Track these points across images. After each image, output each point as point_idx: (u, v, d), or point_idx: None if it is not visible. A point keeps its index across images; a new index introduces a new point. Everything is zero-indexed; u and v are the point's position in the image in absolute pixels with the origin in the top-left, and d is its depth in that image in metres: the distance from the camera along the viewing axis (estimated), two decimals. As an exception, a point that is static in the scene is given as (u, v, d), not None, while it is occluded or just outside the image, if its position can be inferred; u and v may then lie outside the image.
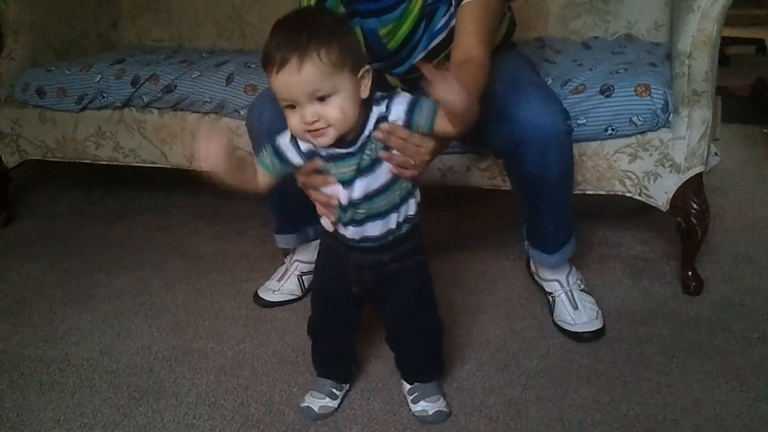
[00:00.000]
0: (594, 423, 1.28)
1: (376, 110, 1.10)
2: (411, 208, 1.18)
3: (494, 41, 1.50)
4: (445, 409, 1.30)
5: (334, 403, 1.33)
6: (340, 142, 1.08)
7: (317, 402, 1.31)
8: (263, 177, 1.16)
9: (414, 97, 1.10)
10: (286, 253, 1.82)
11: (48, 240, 2.10)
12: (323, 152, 1.11)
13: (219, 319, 1.65)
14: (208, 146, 1.05)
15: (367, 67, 1.08)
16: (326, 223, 1.20)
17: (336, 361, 1.35)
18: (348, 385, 1.37)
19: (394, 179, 1.13)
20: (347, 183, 1.12)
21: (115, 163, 2.06)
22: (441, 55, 1.46)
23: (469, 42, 1.34)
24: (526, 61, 1.64)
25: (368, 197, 1.13)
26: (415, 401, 1.31)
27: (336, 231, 1.19)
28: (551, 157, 1.38)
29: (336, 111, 1.03)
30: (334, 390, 1.33)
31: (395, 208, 1.15)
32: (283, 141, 1.13)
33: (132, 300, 1.75)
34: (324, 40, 1.01)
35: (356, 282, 1.23)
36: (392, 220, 1.16)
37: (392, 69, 1.55)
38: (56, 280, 1.86)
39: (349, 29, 1.09)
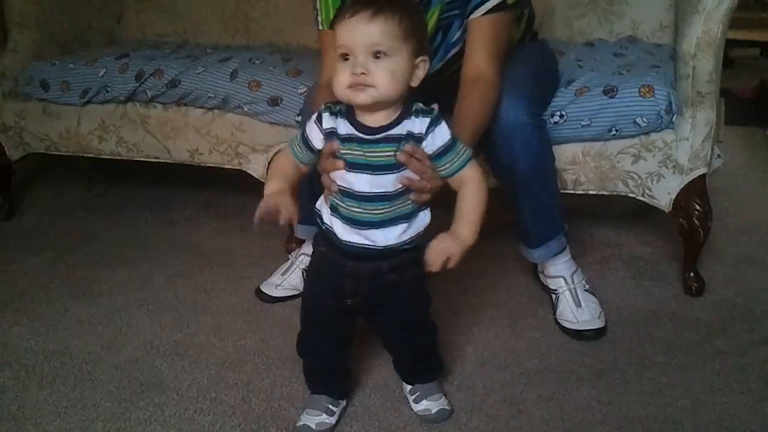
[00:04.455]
0: (595, 422, 1.28)
1: (416, 121, 1.10)
2: (416, 228, 1.17)
3: (512, 40, 1.55)
4: (447, 408, 1.30)
5: (332, 420, 1.27)
6: (364, 127, 1.10)
7: (314, 419, 1.26)
8: (300, 167, 1.18)
9: (452, 138, 1.11)
10: (290, 249, 1.83)
11: (50, 233, 2.11)
12: (343, 131, 1.12)
13: (221, 315, 1.65)
14: (275, 200, 1.12)
15: (425, 58, 1.10)
16: (320, 205, 1.20)
17: (330, 377, 1.30)
18: (345, 402, 1.32)
19: (402, 192, 1.13)
20: (355, 168, 1.12)
21: (118, 158, 2.06)
22: (456, 64, 1.49)
23: (479, 58, 1.40)
24: (535, 54, 1.65)
25: (374, 198, 1.12)
26: (417, 401, 1.31)
27: (332, 232, 1.18)
28: (517, 149, 1.44)
29: (385, 72, 1.05)
30: (330, 406, 1.28)
31: (397, 221, 1.15)
32: (309, 123, 1.15)
33: (134, 294, 1.75)
34: (401, 10, 1.06)
35: (352, 294, 1.21)
36: (394, 233, 1.15)
37: None
38: (58, 274, 1.86)
39: (424, 20, 1.15)
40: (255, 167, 1.91)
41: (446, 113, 1.54)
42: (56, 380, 1.43)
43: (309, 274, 1.31)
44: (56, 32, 2.25)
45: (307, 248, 1.73)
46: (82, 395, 1.38)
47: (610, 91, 1.58)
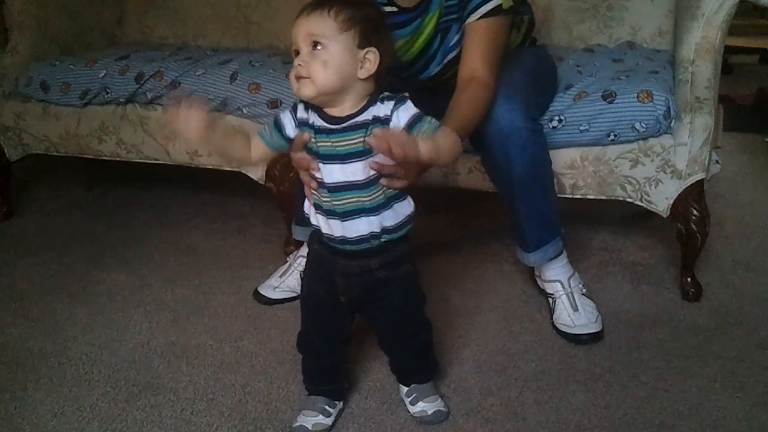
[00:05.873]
0: (591, 426, 1.28)
1: (381, 107, 1.11)
2: (395, 215, 1.17)
3: (511, 45, 1.56)
4: (443, 409, 1.30)
5: (328, 421, 1.28)
6: (330, 117, 1.12)
7: (310, 420, 1.27)
8: (258, 147, 1.18)
9: (419, 112, 1.11)
10: (288, 251, 1.83)
11: (49, 234, 2.11)
12: (315, 122, 1.13)
13: (218, 316, 1.66)
14: (188, 116, 1.09)
15: (373, 50, 1.10)
16: (308, 207, 1.21)
17: (327, 376, 1.31)
18: (341, 403, 1.32)
19: (376, 180, 1.13)
20: (326, 160, 1.12)
21: (118, 159, 2.07)
22: (454, 69, 1.49)
23: (475, 61, 1.42)
24: (533, 59, 1.65)
25: (345, 188, 1.13)
26: (413, 402, 1.31)
27: (320, 230, 1.19)
28: (513, 153, 1.45)
29: (319, 64, 1.08)
30: (326, 407, 1.29)
31: (376, 210, 1.14)
32: (284, 112, 1.18)
33: (132, 295, 1.75)
34: (341, 3, 1.09)
35: (344, 291, 1.22)
36: (373, 223, 1.15)
37: (410, 78, 1.58)
38: (56, 275, 1.86)
39: (376, 14, 1.15)
40: (253, 170, 1.91)
41: (441, 117, 1.56)
42: (53, 381, 1.43)
43: (305, 271, 1.32)
44: (57, 33, 2.25)
45: (305, 250, 1.73)
46: (79, 396, 1.38)
47: (608, 96, 1.58)
